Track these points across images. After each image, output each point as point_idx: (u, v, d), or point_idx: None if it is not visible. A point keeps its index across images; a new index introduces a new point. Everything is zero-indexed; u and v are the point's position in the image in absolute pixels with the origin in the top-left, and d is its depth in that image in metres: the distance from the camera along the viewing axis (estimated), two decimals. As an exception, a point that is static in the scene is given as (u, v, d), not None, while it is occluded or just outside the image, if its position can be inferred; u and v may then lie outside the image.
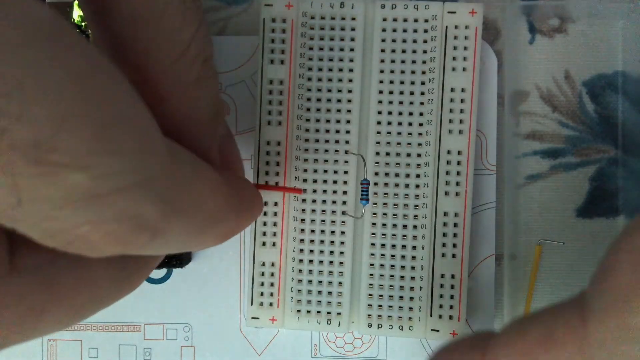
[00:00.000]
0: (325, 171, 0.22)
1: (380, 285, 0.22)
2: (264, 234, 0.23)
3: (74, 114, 0.10)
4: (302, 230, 0.22)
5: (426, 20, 0.22)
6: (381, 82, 0.22)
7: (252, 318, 0.23)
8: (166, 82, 0.15)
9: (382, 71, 0.22)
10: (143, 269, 0.16)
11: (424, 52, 0.22)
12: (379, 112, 0.22)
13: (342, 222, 0.22)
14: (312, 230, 0.22)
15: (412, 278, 0.22)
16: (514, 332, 0.16)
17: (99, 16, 0.15)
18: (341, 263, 0.22)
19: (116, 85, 0.12)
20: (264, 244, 0.23)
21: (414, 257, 0.22)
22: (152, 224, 0.12)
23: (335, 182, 0.22)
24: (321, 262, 0.22)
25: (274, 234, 0.23)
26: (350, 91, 0.22)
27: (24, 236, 0.11)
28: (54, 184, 0.10)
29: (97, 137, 0.11)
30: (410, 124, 0.22)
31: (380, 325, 0.22)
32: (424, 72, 0.22)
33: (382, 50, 0.22)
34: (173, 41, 0.15)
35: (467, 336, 0.18)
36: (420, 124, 0.22)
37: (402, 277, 0.22)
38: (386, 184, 0.22)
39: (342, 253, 0.22)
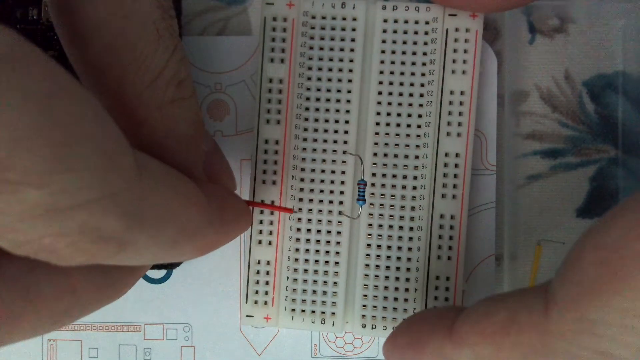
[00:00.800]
0: (323, 171, 0.22)
1: (375, 285, 0.22)
2: (260, 232, 0.23)
3: (30, 135, 0.11)
4: (298, 230, 0.22)
5: (427, 23, 0.22)
6: (381, 83, 0.22)
7: (247, 316, 0.23)
8: (142, 105, 0.16)
9: (381, 72, 0.22)
10: (127, 277, 0.17)
11: (424, 54, 0.22)
12: (378, 113, 0.22)
13: (339, 222, 0.22)
14: (308, 230, 0.22)
15: (407, 279, 0.22)
16: (480, 313, 0.16)
17: (75, 44, 0.15)
18: (336, 263, 0.22)
19: (79, 105, 0.12)
20: (259, 242, 0.23)
21: (409, 259, 0.22)
22: (117, 236, 0.13)
23: (332, 182, 0.22)
24: (317, 261, 0.22)
25: (270, 233, 0.23)
26: (349, 91, 0.22)
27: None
28: (13, 200, 0.11)
29: (54, 156, 0.11)
30: (408, 126, 0.22)
31: (374, 326, 0.22)
32: (423, 74, 0.22)
33: (382, 52, 0.22)
34: (147, 67, 0.16)
35: (436, 310, 0.18)
36: (419, 126, 0.22)
37: (397, 278, 0.22)
38: (383, 185, 0.22)
39: (337, 253, 0.22)
